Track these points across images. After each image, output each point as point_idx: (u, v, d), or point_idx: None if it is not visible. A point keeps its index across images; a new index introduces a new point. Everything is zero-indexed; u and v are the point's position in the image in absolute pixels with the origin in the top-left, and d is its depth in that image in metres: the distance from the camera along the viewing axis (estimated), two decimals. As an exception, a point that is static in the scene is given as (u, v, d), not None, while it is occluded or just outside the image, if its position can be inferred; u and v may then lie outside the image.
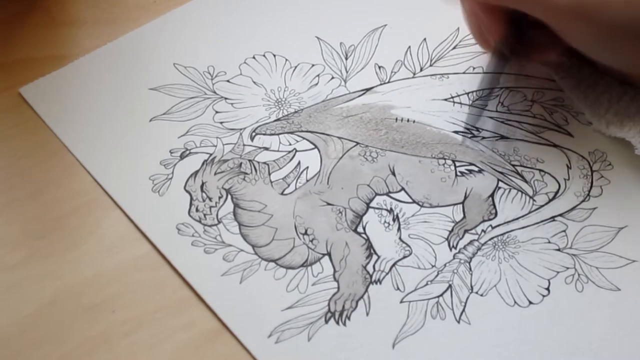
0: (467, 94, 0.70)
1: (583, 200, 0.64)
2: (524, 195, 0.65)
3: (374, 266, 0.63)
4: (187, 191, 0.65)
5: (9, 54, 0.73)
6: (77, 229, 0.64)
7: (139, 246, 0.64)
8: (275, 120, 0.69)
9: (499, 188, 0.65)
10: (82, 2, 0.76)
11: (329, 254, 0.63)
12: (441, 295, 0.62)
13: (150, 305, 0.61)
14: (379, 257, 0.63)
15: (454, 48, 0.74)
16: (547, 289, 0.62)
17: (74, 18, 0.75)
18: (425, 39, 0.74)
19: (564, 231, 0.64)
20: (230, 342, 0.60)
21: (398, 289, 0.62)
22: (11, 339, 0.58)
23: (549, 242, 0.63)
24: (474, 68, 0.71)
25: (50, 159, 0.67)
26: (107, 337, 0.59)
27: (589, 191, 0.66)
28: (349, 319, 0.61)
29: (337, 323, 0.60)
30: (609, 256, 0.63)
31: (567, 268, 0.62)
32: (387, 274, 0.62)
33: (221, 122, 0.69)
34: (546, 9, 0.59)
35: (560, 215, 0.64)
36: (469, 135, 0.67)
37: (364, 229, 0.64)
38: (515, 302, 0.61)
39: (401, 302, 0.61)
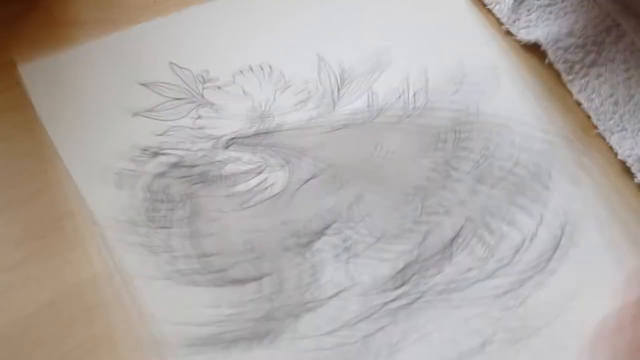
0: (455, 132, 0.70)
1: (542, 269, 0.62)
2: (484, 245, 0.62)
3: (313, 293, 0.60)
4: (149, 190, 0.64)
5: (9, 54, 0.71)
6: (77, 229, 0.65)
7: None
8: (254, 134, 0.67)
9: (460, 235, 0.63)
10: (82, 2, 0.75)
11: (270, 275, 0.61)
12: (372, 334, 0.60)
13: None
14: (320, 284, 0.60)
15: (456, 92, 0.71)
16: (483, 345, 0.60)
17: (74, 18, 0.74)
18: (428, 81, 0.71)
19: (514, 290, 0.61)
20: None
21: (333, 319, 0.59)
22: (11, 339, 0.58)
23: (496, 300, 0.60)
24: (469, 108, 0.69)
25: (50, 159, 0.66)
26: (108, 337, 0.60)
27: (550, 258, 0.65)
28: (272, 342, 0.60)
29: (261, 344, 0.60)
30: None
31: (509, 330, 0.61)
32: (324, 302, 0.59)
33: (200, 128, 0.68)
34: None
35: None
36: (444, 175, 0.65)
37: (312, 254, 0.62)
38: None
39: (331, 333, 0.60)
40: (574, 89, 0.71)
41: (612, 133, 0.70)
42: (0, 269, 0.60)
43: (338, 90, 0.71)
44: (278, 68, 0.74)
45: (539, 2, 0.76)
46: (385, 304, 0.61)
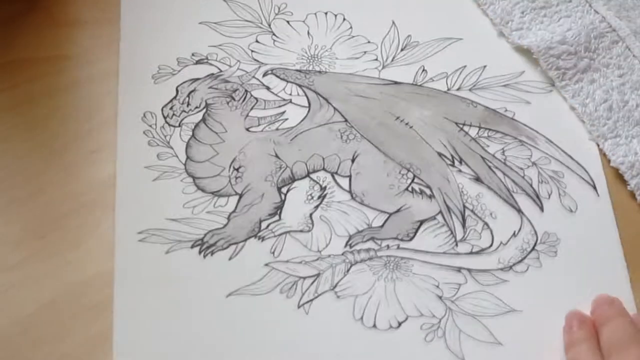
0: (480, 128, 0.70)
1: (501, 269, 0.62)
2: (450, 236, 0.63)
3: (268, 225, 0.63)
4: (176, 89, 0.69)
5: (9, 54, 0.71)
6: (77, 229, 0.64)
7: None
8: (296, 70, 0.70)
9: (434, 219, 0.64)
10: (82, 2, 0.75)
11: (240, 195, 0.64)
12: (304, 278, 0.62)
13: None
14: (280, 220, 0.63)
15: (504, 86, 0.71)
16: (400, 323, 0.61)
17: (74, 18, 0.74)
18: (485, 67, 0.72)
19: (459, 285, 0.62)
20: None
21: (273, 253, 0.63)
22: (11, 339, 0.60)
23: (437, 286, 0.61)
24: (506, 110, 0.69)
25: (50, 159, 0.67)
26: (107, 337, 0.60)
27: (514, 264, 0.64)
28: (211, 254, 0.64)
29: (200, 252, 0.63)
30: (481, 327, 0.62)
31: (434, 316, 0.62)
32: (274, 236, 0.63)
33: (252, 51, 0.72)
34: None
35: (468, 270, 0.61)
36: (449, 163, 0.66)
37: (287, 191, 0.65)
38: (362, 317, 0.61)
39: (266, 265, 0.63)
40: (567, 95, 0.69)
41: (606, 139, 0.68)
42: (0, 269, 0.62)
43: (393, 58, 0.71)
44: (350, 20, 0.75)
45: (533, 5, 0.74)
46: (330, 256, 0.62)
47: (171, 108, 0.67)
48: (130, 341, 0.59)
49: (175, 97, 0.69)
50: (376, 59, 0.72)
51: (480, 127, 0.68)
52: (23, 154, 0.66)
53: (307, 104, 0.70)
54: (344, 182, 0.66)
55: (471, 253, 0.63)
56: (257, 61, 0.71)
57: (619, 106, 0.68)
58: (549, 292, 0.63)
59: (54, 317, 0.60)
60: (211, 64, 0.71)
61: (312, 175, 0.66)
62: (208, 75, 0.70)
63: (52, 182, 0.65)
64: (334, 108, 0.68)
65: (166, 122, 0.67)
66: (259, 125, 0.68)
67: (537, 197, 0.65)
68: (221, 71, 0.70)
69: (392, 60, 0.71)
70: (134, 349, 0.59)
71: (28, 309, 0.61)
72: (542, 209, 0.65)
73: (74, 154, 0.67)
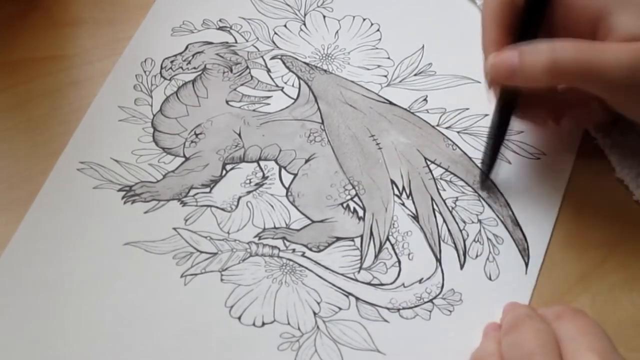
0: (446, 171, 0.69)
1: (388, 309, 0.62)
2: (357, 261, 0.64)
3: (196, 194, 0.66)
4: (186, 46, 0.72)
5: (9, 54, 0.72)
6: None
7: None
8: (303, 62, 0.72)
9: (352, 240, 0.65)
10: (82, 2, 0.75)
11: (186, 159, 0.67)
12: (200, 252, 0.65)
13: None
14: (209, 192, 0.66)
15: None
16: (263, 324, 0.62)
17: (74, 18, 0.75)
18: (486, 115, 0.70)
19: (340, 309, 0.63)
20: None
21: (186, 221, 0.66)
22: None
23: (318, 303, 0.62)
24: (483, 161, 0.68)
25: (50, 159, 0.67)
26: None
27: (403, 308, 0.64)
28: (132, 203, 0.66)
29: (122, 198, 0.67)
30: (335, 356, 0.62)
31: (298, 329, 0.62)
32: (196, 206, 0.66)
33: (276, 34, 0.74)
34: (604, 88, 0.60)
35: (356, 298, 0.64)
36: (396, 193, 0.66)
37: (231, 169, 0.68)
38: (232, 307, 0.62)
39: (173, 228, 0.65)
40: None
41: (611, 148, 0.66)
42: None
43: (403, 79, 0.71)
44: (381, 32, 0.75)
45: None
46: (235, 241, 0.63)
47: (172, 61, 0.70)
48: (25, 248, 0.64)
49: (181, 53, 0.70)
50: (385, 76, 0.70)
51: (446, 170, 0.66)
52: (23, 154, 0.67)
53: (295, 97, 0.68)
54: (287, 179, 0.65)
55: (368, 284, 0.62)
56: (275, 44, 0.71)
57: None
58: (422, 347, 0.61)
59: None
60: (231, 34, 0.72)
61: (261, 162, 0.65)
62: (221, 43, 0.71)
63: (52, 182, 0.66)
64: (318, 107, 0.68)
65: (160, 73, 0.69)
66: (240, 101, 0.68)
67: (464, 254, 0.63)
68: (236, 42, 0.71)
69: (401, 82, 0.70)
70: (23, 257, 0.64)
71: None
72: (462, 267, 0.62)
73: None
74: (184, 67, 0.69)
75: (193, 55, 0.70)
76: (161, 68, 0.71)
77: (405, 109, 0.70)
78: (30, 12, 0.74)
